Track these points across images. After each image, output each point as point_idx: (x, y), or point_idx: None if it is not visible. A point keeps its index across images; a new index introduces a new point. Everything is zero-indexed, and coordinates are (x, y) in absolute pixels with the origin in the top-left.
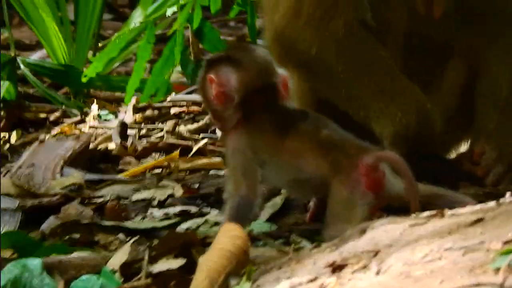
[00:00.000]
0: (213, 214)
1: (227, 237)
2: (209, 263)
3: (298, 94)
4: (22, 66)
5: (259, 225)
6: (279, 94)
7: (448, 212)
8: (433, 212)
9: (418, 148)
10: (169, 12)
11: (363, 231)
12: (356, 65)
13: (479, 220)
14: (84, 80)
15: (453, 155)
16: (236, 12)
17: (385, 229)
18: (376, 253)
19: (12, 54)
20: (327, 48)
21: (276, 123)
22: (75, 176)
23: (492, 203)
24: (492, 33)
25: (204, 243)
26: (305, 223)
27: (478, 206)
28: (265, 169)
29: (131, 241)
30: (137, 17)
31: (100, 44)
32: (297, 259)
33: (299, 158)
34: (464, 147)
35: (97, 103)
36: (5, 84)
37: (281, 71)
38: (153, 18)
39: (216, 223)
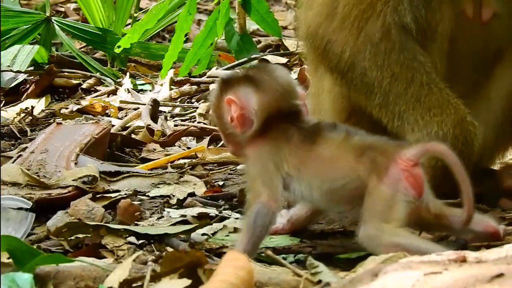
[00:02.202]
0: (233, 219)
1: (230, 268)
2: None
3: (330, 99)
4: (57, 27)
5: (279, 238)
6: (300, 112)
7: (470, 256)
8: (455, 255)
9: None
10: None
11: (375, 275)
12: (392, 72)
13: (499, 276)
14: (117, 51)
15: (497, 165)
16: None
17: (398, 277)
18: None
19: (47, 14)
20: (362, 53)
21: (301, 134)
22: (90, 167)
23: None
24: None
25: (219, 254)
26: (330, 235)
27: (505, 250)
28: (295, 185)
29: (134, 255)
30: None
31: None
32: None
33: (331, 166)
34: (510, 157)
35: (135, 69)
36: (36, 46)
37: (299, 89)
38: None
39: (236, 230)
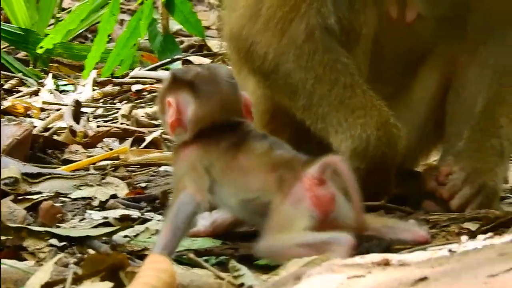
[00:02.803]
0: (155, 221)
1: (152, 270)
2: None
3: (253, 100)
4: None
5: (201, 240)
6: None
7: (394, 259)
8: (378, 258)
9: (379, 165)
10: None
11: (298, 278)
12: (315, 74)
13: (423, 279)
14: (40, 51)
15: (420, 167)
16: None
17: (321, 280)
18: None
19: None
20: (286, 54)
21: (229, 140)
22: (12, 168)
23: (444, 252)
24: (469, 41)
25: (141, 256)
26: (253, 237)
27: (429, 253)
28: (217, 190)
29: (56, 258)
30: None
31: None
32: None
33: (247, 176)
34: (433, 158)
35: (57, 70)
36: None
37: (244, 94)
38: None
39: (158, 232)
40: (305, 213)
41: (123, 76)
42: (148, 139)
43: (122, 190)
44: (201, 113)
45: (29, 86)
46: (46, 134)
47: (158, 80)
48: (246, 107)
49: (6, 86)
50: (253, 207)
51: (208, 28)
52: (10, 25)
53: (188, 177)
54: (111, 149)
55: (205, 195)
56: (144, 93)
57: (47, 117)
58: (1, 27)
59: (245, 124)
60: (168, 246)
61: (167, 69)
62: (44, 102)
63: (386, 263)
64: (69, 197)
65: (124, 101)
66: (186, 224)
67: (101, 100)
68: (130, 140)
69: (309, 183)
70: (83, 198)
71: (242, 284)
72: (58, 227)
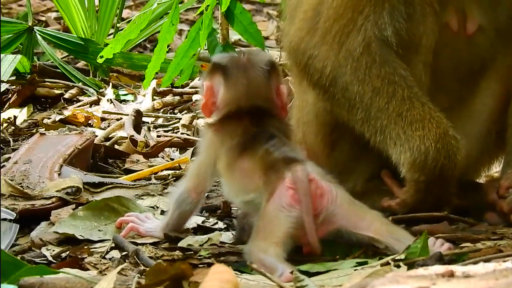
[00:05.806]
0: (218, 231)
1: (216, 280)
2: None
3: (314, 112)
4: (39, 37)
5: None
6: (272, 113)
7: (458, 271)
8: (442, 270)
9: (438, 176)
10: None
11: None
12: (373, 87)
13: None
14: (100, 61)
15: (482, 179)
16: None
17: None
18: None
19: (30, 24)
20: (343, 67)
21: (242, 137)
22: (73, 178)
23: (509, 264)
24: None
25: (204, 266)
26: None
27: (492, 266)
28: (223, 185)
29: (119, 267)
30: None
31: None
32: None
33: (245, 179)
34: (495, 169)
35: (117, 79)
36: (18, 56)
37: (282, 86)
38: None
39: (222, 243)
40: (286, 211)
41: (183, 86)
42: None
43: None
44: (229, 96)
45: (89, 96)
46: (107, 143)
47: None
48: (280, 100)
49: (66, 96)
50: (253, 207)
51: (267, 38)
52: (70, 34)
53: (197, 168)
54: (172, 159)
55: (201, 194)
56: None
57: (108, 126)
58: (61, 36)
59: (269, 118)
60: (164, 227)
61: None
62: (104, 112)
63: (451, 275)
64: None
65: (185, 111)
66: (183, 217)
67: (161, 110)
68: (191, 150)
69: (290, 181)
70: (145, 208)
71: None
72: None
